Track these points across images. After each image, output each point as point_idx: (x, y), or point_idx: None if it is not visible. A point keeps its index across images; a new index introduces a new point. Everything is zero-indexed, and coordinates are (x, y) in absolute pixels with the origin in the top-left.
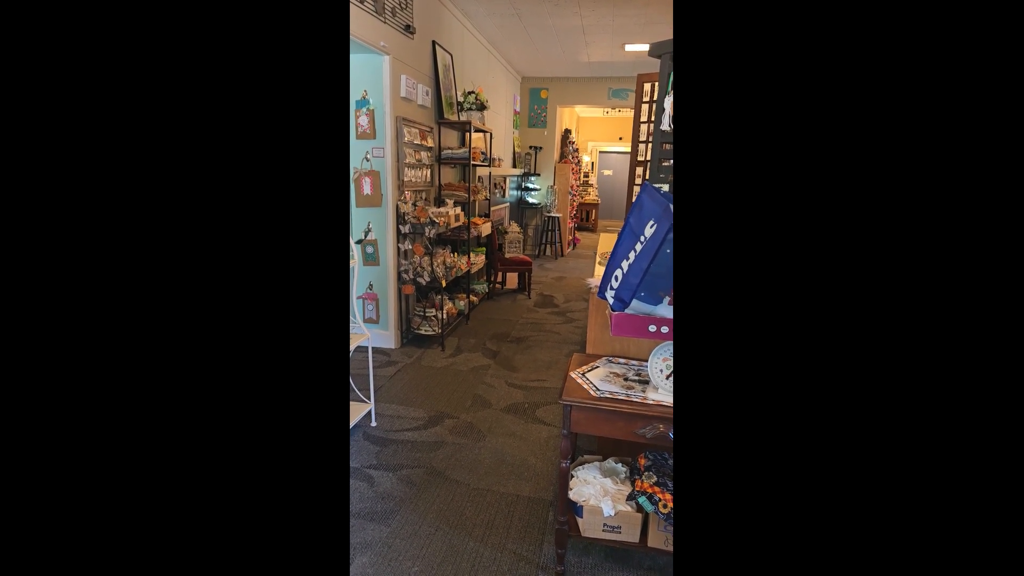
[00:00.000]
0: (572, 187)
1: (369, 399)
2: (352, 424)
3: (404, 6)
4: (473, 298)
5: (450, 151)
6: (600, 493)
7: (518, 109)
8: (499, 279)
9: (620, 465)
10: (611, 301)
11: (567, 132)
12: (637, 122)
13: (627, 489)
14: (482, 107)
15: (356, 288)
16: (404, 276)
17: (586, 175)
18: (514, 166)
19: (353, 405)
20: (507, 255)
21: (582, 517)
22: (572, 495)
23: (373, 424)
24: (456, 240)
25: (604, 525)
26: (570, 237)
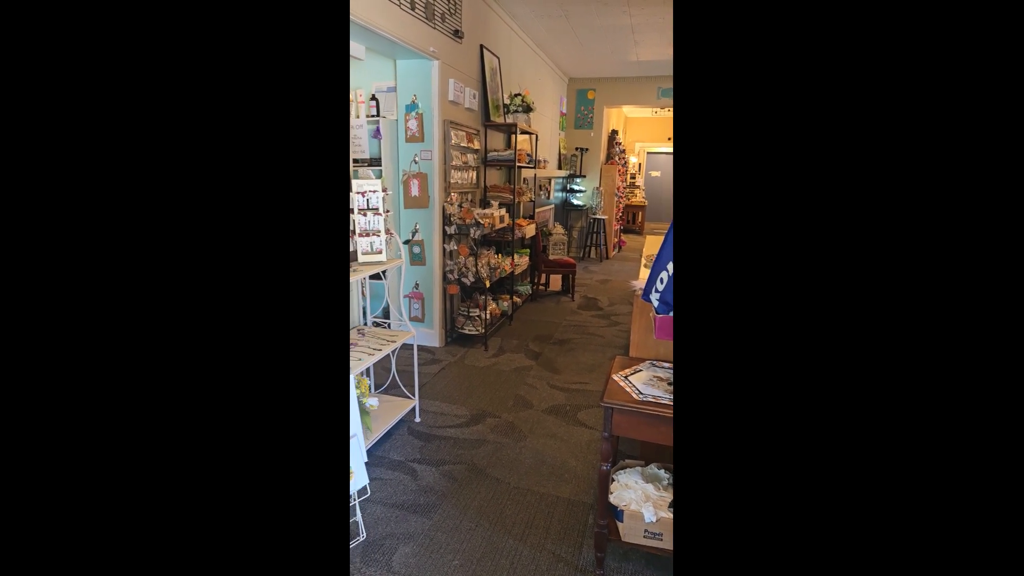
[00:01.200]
0: (618, 189)
1: (414, 395)
2: (397, 419)
3: (453, 11)
4: (516, 299)
5: (496, 153)
6: (642, 498)
7: (564, 110)
8: (543, 281)
9: (663, 471)
10: (655, 304)
11: (614, 133)
12: None
13: (669, 496)
14: (528, 109)
15: (403, 287)
16: (449, 276)
17: (633, 176)
18: (559, 168)
19: (399, 400)
20: (551, 257)
21: (622, 522)
22: (612, 499)
23: (417, 420)
24: (501, 241)
25: (645, 531)
26: (615, 239)
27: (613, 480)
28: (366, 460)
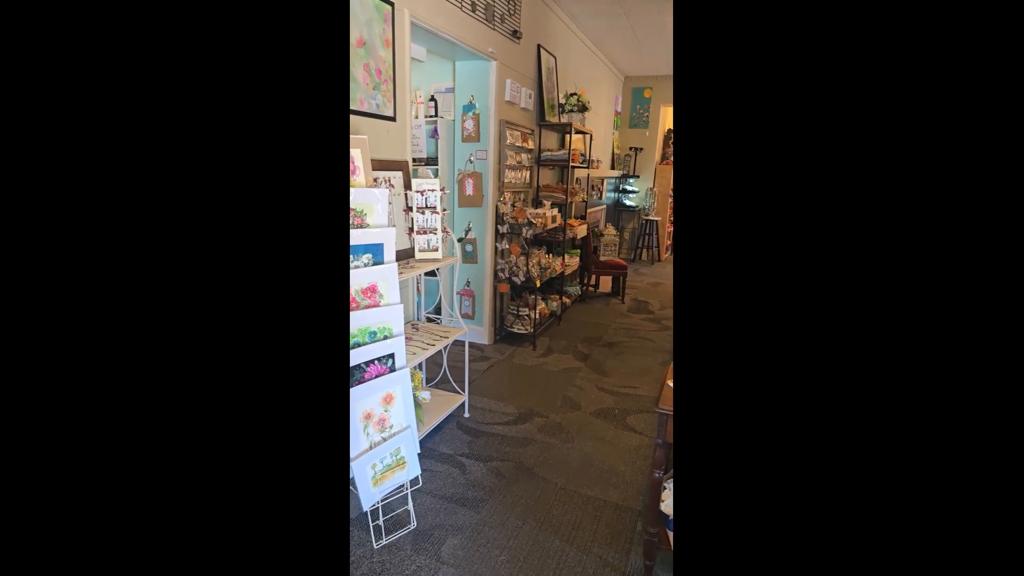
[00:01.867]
0: (673, 190)
1: (463, 391)
2: (447, 413)
3: (512, 12)
4: (566, 300)
5: (550, 153)
6: None
7: (619, 110)
8: (592, 282)
9: None
10: None
11: (670, 132)
12: None
13: None
14: (583, 109)
15: (456, 284)
16: (500, 275)
17: None
18: (612, 167)
19: (449, 395)
20: (602, 258)
21: (673, 531)
22: (664, 507)
23: (466, 415)
24: (552, 241)
25: None
26: (668, 242)
27: (665, 488)
28: (419, 451)
